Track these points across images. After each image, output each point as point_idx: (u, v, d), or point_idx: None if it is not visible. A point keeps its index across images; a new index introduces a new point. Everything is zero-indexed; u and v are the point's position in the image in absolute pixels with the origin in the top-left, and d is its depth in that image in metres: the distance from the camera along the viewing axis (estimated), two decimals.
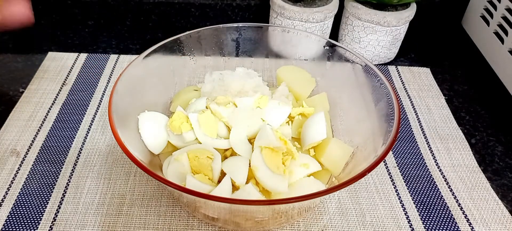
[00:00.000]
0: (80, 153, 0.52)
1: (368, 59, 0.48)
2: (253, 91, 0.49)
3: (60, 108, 0.59)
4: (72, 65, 0.67)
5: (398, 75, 0.68)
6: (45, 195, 0.47)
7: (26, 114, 0.58)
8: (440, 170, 0.52)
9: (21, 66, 0.67)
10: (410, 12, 0.64)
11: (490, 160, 0.54)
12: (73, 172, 0.50)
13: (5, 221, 0.44)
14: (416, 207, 0.47)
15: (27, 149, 0.53)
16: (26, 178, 0.49)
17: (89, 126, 0.56)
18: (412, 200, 0.48)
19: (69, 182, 0.49)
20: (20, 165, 0.50)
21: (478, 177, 0.51)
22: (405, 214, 0.47)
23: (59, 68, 0.67)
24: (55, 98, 0.61)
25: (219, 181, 0.41)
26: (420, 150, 0.54)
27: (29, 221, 0.44)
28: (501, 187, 0.50)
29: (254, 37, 0.56)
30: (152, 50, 0.47)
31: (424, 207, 0.47)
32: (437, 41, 0.78)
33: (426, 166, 0.52)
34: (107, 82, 0.64)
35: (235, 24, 0.54)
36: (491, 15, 0.68)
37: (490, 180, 0.51)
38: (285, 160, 0.42)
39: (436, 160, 0.53)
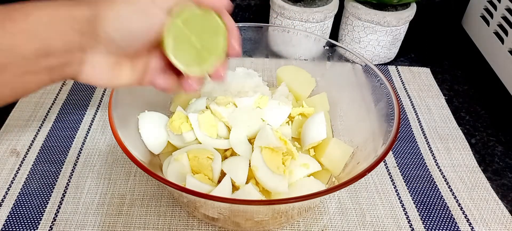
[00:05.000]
0: (80, 153, 0.52)
1: (368, 59, 0.48)
2: (253, 91, 0.49)
3: (60, 108, 0.59)
4: None
5: (398, 75, 0.68)
6: (45, 195, 0.47)
7: (26, 114, 0.58)
8: (440, 170, 0.52)
9: None
10: (410, 12, 0.64)
11: (490, 160, 0.54)
12: (73, 172, 0.50)
13: (5, 221, 0.44)
14: (416, 207, 0.47)
15: (27, 149, 0.53)
16: (26, 178, 0.49)
17: (89, 126, 0.56)
18: (412, 200, 0.48)
19: (69, 182, 0.49)
20: (20, 165, 0.50)
21: (478, 177, 0.51)
22: (405, 214, 0.47)
23: None
24: (55, 98, 0.61)
25: (219, 181, 0.41)
26: (420, 150, 0.54)
27: (29, 221, 0.44)
28: (501, 187, 0.50)
29: (254, 37, 0.56)
30: None
31: (424, 207, 0.47)
32: (437, 41, 0.78)
33: (426, 166, 0.52)
34: None
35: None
36: (491, 15, 0.68)
37: (490, 180, 0.51)
38: (285, 160, 0.42)
39: (436, 160, 0.53)
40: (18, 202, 0.46)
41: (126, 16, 0.30)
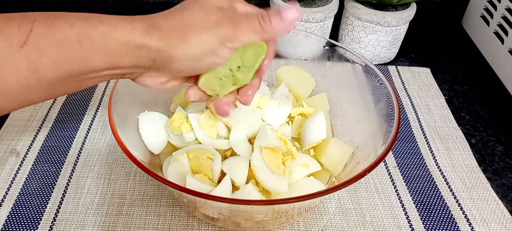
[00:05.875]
0: (80, 153, 0.52)
1: (368, 59, 0.48)
2: None
3: (60, 108, 0.59)
4: None
5: (398, 75, 0.68)
6: (45, 195, 0.47)
7: (26, 115, 0.58)
8: (440, 170, 0.52)
9: None
10: (410, 12, 0.64)
11: (490, 160, 0.54)
12: (73, 172, 0.50)
13: (5, 221, 0.44)
14: (416, 207, 0.47)
15: (27, 149, 0.53)
16: (26, 178, 0.49)
17: (89, 126, 0.56)
18: (412, 200, 0.48)
19: (69, 182, 0.49)
20: (20, 165, 0.50)
21: (478, 177, 0.51)
22: (405, 214, 0.47)
23: None
24: (55, 99, 0.61)
25: (219, 181, 0.41)
26: (420, 150, 0.54)
27: (29, 221, 0.44)
28: (501, 187, 0.50)
29: None
30: None
31: (424, 207, 0.47)
32: (437, 41, 0.78)
33: (426, 166, 0.52)
34: (107, 82, 0.64)
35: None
36: (491, 15, 0.68)
37: (490, 180, 0.51)
38: (285, 160, 0.42)
39: (436, 160, 0.53)
40: (18, 202, 0.46)
41: (197, 57, 0.32)
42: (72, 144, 0.54)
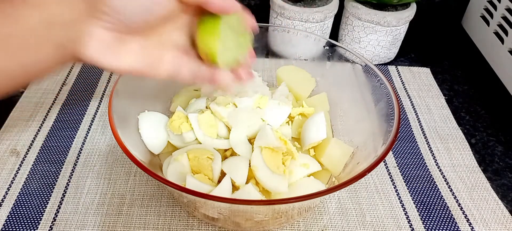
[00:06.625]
0: (80, 153, 0.52)
1: (368, 59, 0.48)
2: (253, 91, 0.49)
3: (60, 108, 0.59)
4: (72, 65, 0.67)
5: (398, 75, 0.68)
6: (45, 195, 0.47)
7: (26, 114, 0.58)
8: (440, 170, 0.52)
9: None
10: (410, 12, 0.64)
11: (490, 160, 0.54)
12: (73, 172, 0.50)
13: (5, 221, 0.44)
14: (416, 207, 0.47)
15: (27, 149, 0.53)
16: (26, 178, 0.49)
17: (89, 126, 0.56)
18: (412, 200, 0.48)
19: (69, 182, 0.49)
20: (20, 165, 0.50)
21: (478, 177, 0.51)
22: (405, 214, 0.47)
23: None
24: (55, 98, 0.61)
25: (219, 181, 0.41)
26: (420, 150, 0.54)
27: (29, 221, 0.44)
28: (501, 187, 0.50)
29: (254, 37, 0.55)
30: None
31: (424, 207, 0.47)
32: (437, 41, 0.78)
33: (426, 166, 0.52)
34: (107, 82, 0.64)
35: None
36: (491, 15, 0.68)
37: (490, 180, 0.51)
38: (285, 160, 0.42)
39: (436, 160, 0.53)
40: (18, 202, 0.46)
41: None
42: (72, 144, 0.54)
